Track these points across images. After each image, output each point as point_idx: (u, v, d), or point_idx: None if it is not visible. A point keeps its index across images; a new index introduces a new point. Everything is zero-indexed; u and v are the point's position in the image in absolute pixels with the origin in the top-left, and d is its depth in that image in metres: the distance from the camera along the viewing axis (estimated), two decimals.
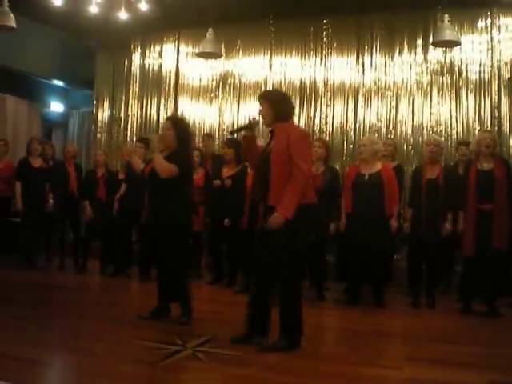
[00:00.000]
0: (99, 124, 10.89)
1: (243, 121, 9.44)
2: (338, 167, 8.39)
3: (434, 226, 6.21)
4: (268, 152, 4.34)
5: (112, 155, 9.60)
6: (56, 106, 11.71)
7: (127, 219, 7.68)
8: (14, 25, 7.51)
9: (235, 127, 4.45)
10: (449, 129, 8.55)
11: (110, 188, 7.96)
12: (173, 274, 5.12)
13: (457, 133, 8.50)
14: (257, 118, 4.65)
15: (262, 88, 9.59)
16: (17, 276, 7.53)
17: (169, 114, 9.90)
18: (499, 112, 8.30)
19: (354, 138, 9.01)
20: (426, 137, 8.26)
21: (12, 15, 7.49)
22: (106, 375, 3.64)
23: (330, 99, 9.26)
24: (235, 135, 4.51)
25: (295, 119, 9.30)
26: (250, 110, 9.59)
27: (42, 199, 8.13)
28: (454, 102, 8.58)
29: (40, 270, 7.99)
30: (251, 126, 4.49)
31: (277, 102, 4.44)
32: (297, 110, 9.40)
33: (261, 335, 4.40)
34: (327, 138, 8.99)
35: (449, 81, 8.62)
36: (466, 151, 7.19)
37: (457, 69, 8.60)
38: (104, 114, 10.87)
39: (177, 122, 5.28)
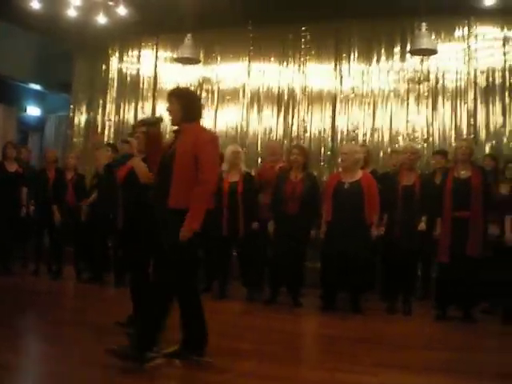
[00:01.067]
0: (76, 128, 10.81)
1: (222, 127, 9.48)
2: (315, 173, 8.40)
3: (409, 231, 6.25)
4: (172, 152, 4.10)
5: (87, 159, 9.49)
6: (32, 110, 11.61)
7: (101, 225, 7.58)
8: None
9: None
10: (425, 136, 8.62)
11: (79, 192, 7.92)
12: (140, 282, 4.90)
13: (433, 140, 8.58)
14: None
15: (240, 94, 9.60)
16: None
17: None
18: (475, 120, 8.40)
19: (332, 144, 9.06)
20: (402, 144, 8.31)
21: None
22: (78, 381, 3.60)
23: (308, 106, 9.31)
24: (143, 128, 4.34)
25: (273, 125, 9.39)
26: (229, 115, 9.60)
27: (17, 204, 8.02)
28: (430, 109, 8.69)
29: (14, 276, 7.88)
30: (157, 122, 4.36)
31: (188, 102, 4.28)
32: (274, 117, 9.45)
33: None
34: (305, 145, 9.02)
35: (426, 89, 8.71)
36: (442, 160, 7.25)
37: (434, 77, 8.70)
38: (81, 118, 10.79)
39: (150, 125, 5.16)
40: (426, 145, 8.54)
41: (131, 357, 3.82)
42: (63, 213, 7.95)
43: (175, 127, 4.31)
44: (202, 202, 3.95)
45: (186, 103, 4.24)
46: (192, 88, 9.97)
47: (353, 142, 8.45)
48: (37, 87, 11.29)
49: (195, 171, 3.97)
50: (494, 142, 8.30)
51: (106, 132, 10.60)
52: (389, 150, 8.60)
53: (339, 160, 6.98)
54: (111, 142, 10.22)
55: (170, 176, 3.99)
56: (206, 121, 9.80)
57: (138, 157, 4.86)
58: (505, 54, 8.36)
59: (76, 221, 7.87)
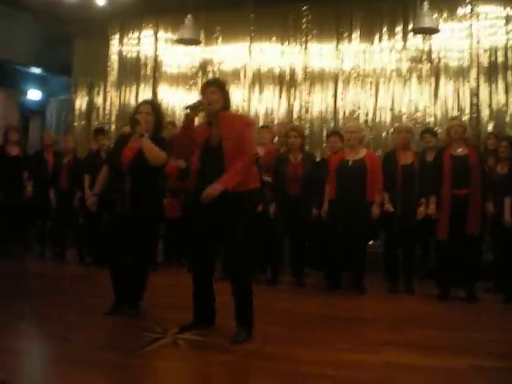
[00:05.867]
0: (77, 112, 10.79)
1: None
2: (317, 154, 8.41)
3: (410, 210, 6.25)
4: (217, 139, 4.32)
5: (88, 143, 9.44)
6: (33, 94, 11.56)
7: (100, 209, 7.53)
8: None
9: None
10: (427, 116, 8.59)
11: (73, 176, 7.88)
12: (140, 266, 4.93)
13: (435, 119, 8.54)
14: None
15: (242, 75, 9.57)
16: None
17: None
18: (478, 99, 8.34)
19: (334, 124, 9.01)
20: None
21: None
22: (84, 362, 3.62)
23: (310, 86, 9.26)
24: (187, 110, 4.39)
25: (274, 106, 9.37)
26: (230, 96, 9.55)
27: (19, 187, 8.04)
28: (432, 88, 8.62)
29: (18, 259, 7.92)
30: (199, 106, 4.41)
31: (227, 92, 4.51)
32: (276, 97, 9.41)
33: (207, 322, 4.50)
34: (307, 125, 9.04)
35: (428, 68, 8.65)
36: (431, 139, 7.22)
37: (436, 56, 8.63)
38: (82, 102, 10.76)
39: (156, 107, 5.10)
40: (428, 124, 8.48)
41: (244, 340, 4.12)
42: (57, 197, 7.97)
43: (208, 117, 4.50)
44: (237, 170, 4.21)
45: (226, 93, 4.48)
46: (193, 70, 9.95)
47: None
48: (37, 71, 11.22)
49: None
50: (496, 120, 8.26)
51: (108, 115, 10.55)
52: (391, 130, 8.58)
53: (330, 141, 7.05)
54: (113, 125, 10.25)
55: (221, 161, 4.21)
56: None
57: (147, 138, 4.74)
58: (507, 32, 8.27)
59: (69, 205, 7.86)
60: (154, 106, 5.08)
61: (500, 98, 8.25)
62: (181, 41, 8.88)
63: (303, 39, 9.34)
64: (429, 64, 8.64)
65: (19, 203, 8.03)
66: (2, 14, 8.84)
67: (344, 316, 5.27)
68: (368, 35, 8.97)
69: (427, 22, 7.60)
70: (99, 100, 10.64)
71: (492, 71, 8.35)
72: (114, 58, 10.55)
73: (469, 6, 8.47)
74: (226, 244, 4.37)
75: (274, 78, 9.48)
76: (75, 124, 10.74)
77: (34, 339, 4.25)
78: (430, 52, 8.66)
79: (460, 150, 6.03)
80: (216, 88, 4.43)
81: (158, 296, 5.52)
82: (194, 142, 4.46)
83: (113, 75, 10.53)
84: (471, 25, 8.46)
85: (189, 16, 8.52)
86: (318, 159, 7.52)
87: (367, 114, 8.92)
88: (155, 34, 10.28)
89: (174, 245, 7.83)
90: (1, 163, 7.92)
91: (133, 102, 10.15)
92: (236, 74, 9.63)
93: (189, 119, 4.42)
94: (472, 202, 5.90)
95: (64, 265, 7.90)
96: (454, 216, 5.91)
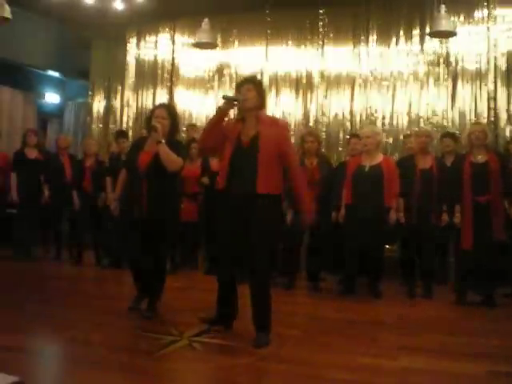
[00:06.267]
0: (95, 115, 10.86)
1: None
2: (334, 158, 8.40)
3: (427, 215, 6.22)
4: (252, 140, 4.27)
5: (106, 146, 9.51)
6: (51, 97, 11.66)
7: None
8: (10, 16, 7.47)
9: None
10: (445, 120, 8.54)
11: (97, 179, 7.90)
12: (156, 270, 4.96)
13: (453, 124, 8.50)
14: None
15: (259, 78, 9.56)
16: (13, 267, 7.52)
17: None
18: (495, 103, 8.30)
19: (351, 128, 9.01)
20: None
21: (7, 6, 7.43)
22: (100, 364, 3.64)
23: (327, 90, 9.25)
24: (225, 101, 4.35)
25: (291, 109, 9.37)
26: None
27: (37, 190, 8.11)
28: (450, 92, 8.59)
29: (36, 261, 7.98)
30: (235, 100, 4.35)
31: (263, 90, 4.49)
32: (293, 101, 9.41)
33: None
34: (323, 129, 9.04)
35: (445, 71, 8.61)
36: (450, 143, 7.18)
37: (453, 59, 8.60)
38: (99, 105, 10.84)
39: (171, 110, 5.09)
40: (445, 128, 8.43)
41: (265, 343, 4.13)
42: (81, 200, 7.99)
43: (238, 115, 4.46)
44: (305, 189, 4.47)
45: (262, 91, 4.45)
46: (210, 73, 9.99)
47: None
48: (55, 74, 11.33)
49: (278, 158, 4.25)
50: None
51: (125, 118, 10.61)
52: (401, 135, 8.57)
53: (352, 143, 7.00)
54: (130, 128, 10.30)
55: (253, 162, 4.19)
56: None
57: (164, 144, 4.74)
58: None
59: (93, 208, 7.89)
60: (169, 109, 5.08)
61: None
62: (197, 44, 8.91)
63: (320, 42, 9.34)
64: (446, 67, 8.60)
65: (38, 206, 8.10)
66: (21, 18, 8.92)
67: (360, 320, 5.25)
68: (385, 38, 8.96)
69: (444, 26, 7.56)
70: (116, 103, 10.71)
71: (510, 75, 8.31)
72: (131, 61, 10.61)
73: (486, 9, 8.43)
74: (251, 246, 4.28)
75: (290, 81, 9.48)
76: (93, 127, 10.81)
77: (51, 341, 4.28)
78: (447, 55, 8.63)
79: (480, 156, 5.97)
80: (252, 85, 4.38)
81: (175, 299, 5.54)
82: (224, 137, 4.37)
83: (130, 79, 10.59)
84: (488, 28, 8.43)
85: (205, 20, 8.55)
86: (334, 163, 7.51)
87: (384, 118, 8.90)
88: (172, 37, 10.33)
89: (191, 248, 7.86)
90: (20, 166, 7.98)
91: (150, 106, 10.19)
92: None
93: (222, 111, 4.35)
94: (493, 207, 5.86)
95: (81, 267, 7.94)
96: (477, 224, 5.87)
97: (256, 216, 4.20)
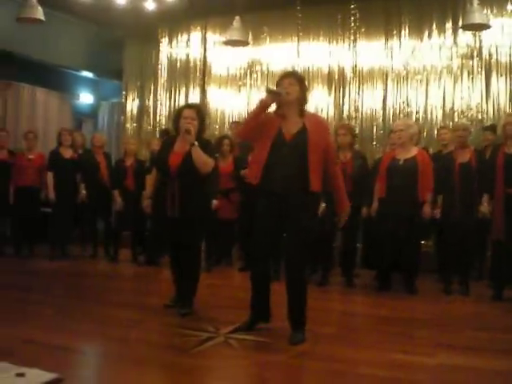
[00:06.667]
0: (128, 114, 10.97)
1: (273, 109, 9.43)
2: (367, 153, 8.34)
3: (469, 210, 6.13)
4: (296, 137, 4.22)
5: (141, 145, 9.60)
6: (86, 98, 11.81)
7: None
8: (43, 17, 7.60)
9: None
10: (479, 113, 8.43)
11: (139, 178, 7.96)
12: (191, 268, 5.02)
13: (487, 117, 8.38)
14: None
15: None
16: (49, 266, 7.63)
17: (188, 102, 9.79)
18: None
19: (384, 123, 8.94)
20: (456, 121, 8.14)
21: (40, 8, 7.57)
22: (138, 362, 3.69)
23: (359, 85, 9.20)
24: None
25: (324, 105, 9.33)
26: None
27: (73, 189, 8.21)
28: (484, 85, 8.47)
29: (72, 260, 8.10)
30: (278, 94, 4.27)
31: (305, 86, 4.42)
32: (325, 96, 9.37)
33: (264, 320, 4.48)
34: (356, 124, 8.95)
35: (479, 64, 8.50)
36: (491, 136, 7.08)
37: (487, 52, 8.47)
38: (133, 104, 10.94)
39: (200, 111, 5.09)
40: (480, 122, 8.32)
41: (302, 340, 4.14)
42: (124, 199, 8.02)
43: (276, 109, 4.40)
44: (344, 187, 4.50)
45: (304, 86, 4.41)
46: (241, 71, 10.01)
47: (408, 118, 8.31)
48: (89, 75, 11.47)
49: (323, 154, 4.24)
50: None
51: (158, 118, 10.70)
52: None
53: (391, 137, 6.89)
54: (163, 127, 10.36)
55: (298, 159, 4.17)
56: (256, 102, 9.78)
57: (197, 147, 4.78)
58: None
59: (135, 207, 7.94)
60: (198, 110, 5.09)
61: None
62: (229, 42, 8.93)
63: (352, 38, 9.27)
64: (479, 60, 8.48)
65: (73, 205, 8.21)
66: (55, 20, 9.07)
67: (396, 316, 5.22)
68: (417, 32, 8.86)
69: (477, 18, 7.44)
70: (150, 103, 10.80)
71: None
72: (163, 60, 10.69)
73: None
74: (288, 242, 4.24)
75: (322, 77, 9.45)
76: (127, 126, 10.93)
77: (89, 338, 4.33)
78: (480, 48, 8.50)
79: None
80: (294, 80, 4.32)
81: (210, 296, 5.59)
82: (262, 129, 4.28)
83: (163, 78, 10.67)
84: None
85: (237, 17, 8.57)
86: (368, 158, 7.44)
87: (418, 112, 8.81)
88: (204, 36, 10.37)
89: (225, 246, 7.90)
90: (56, 166, 8.10)
91: (182, 104, 10.24)
92: None
93: (264, 104, 4.28)
94: None
95: (117, 264, 8.03)
96: (509, 215, 5.78)
97: (298, 212, 4.16)
